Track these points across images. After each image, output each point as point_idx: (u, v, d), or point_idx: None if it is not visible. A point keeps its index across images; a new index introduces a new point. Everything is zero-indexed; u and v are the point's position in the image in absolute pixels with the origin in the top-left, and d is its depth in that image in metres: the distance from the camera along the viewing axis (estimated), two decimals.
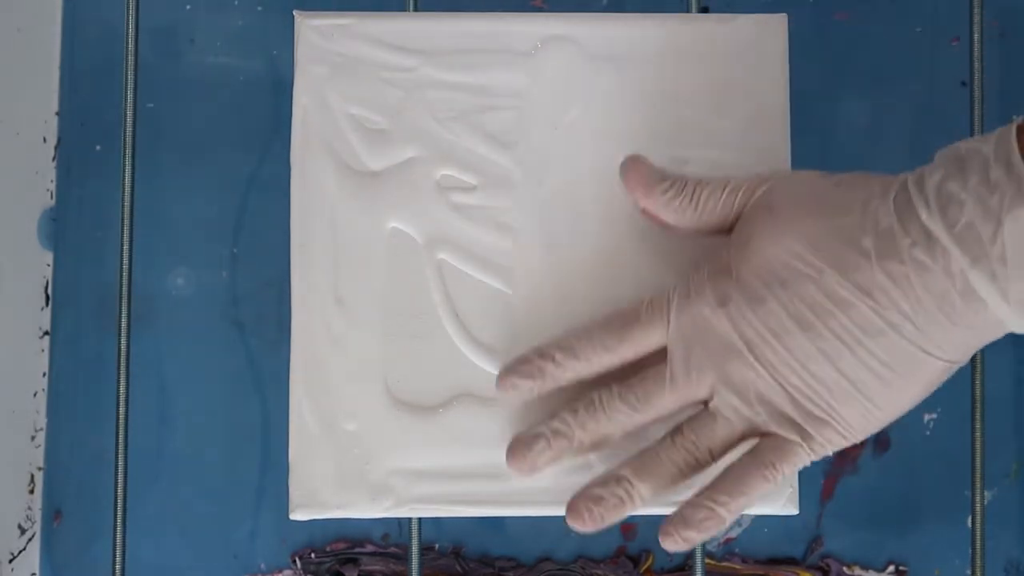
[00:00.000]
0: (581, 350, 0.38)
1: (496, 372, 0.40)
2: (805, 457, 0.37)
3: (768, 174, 0.38)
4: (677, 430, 0.38)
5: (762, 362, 0.36)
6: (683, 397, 0.37)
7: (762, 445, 0.37)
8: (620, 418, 0.38)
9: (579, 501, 0.37)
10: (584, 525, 0.37)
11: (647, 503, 0.38)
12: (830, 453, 0.37)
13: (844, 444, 0.37)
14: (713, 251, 0.38)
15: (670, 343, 0.37)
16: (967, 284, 0.33)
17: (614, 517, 0.37)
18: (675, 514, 0.37)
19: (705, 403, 0.38)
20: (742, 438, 0.37)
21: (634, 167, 0.39)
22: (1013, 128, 0.33)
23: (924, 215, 0.34)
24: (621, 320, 0.38)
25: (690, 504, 0.37)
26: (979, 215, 0.33)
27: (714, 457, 0.38)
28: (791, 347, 0.36)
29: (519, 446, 0.38)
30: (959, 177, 0.33)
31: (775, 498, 0.41)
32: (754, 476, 0.37)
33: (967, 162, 0.34)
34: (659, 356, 0.38)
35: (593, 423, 0.38)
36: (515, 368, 0.38)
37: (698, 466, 0.38)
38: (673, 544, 0.37)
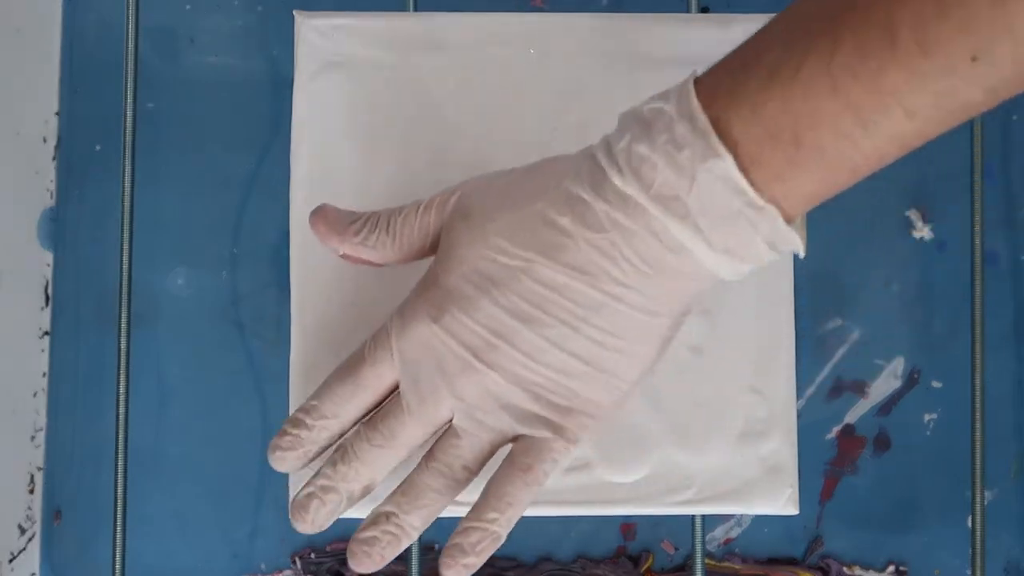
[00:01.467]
0: (325, 407, 0.37)
1: None
2: (562, 450, 0.36)
3: (457, 184, 0.38)
4: (429, 455, 0.37)
5: (493, 368, 0.35)
6: (426, 423, 0.37)
7: (516, 449, 0.37)
8: (373, 460, 0.37)
9: (355, 546, 0.37)
10: (366, 567, 0.37)
11: (420, 531, 0.37)
12: (585, 438, 0.37)
13: (597, 424, 0.36)
14: (424, 275, 0.38)
15: (400, 374, 0.37)
16: (672, 240, 0.33)
17: (392, 553, 0.37)
18: (450, 544, 0.36)
19: (450, 422, 0.37)
20: (494, 447, 0.37)
21: (320, 216, 0.38)
22: (691, 82, 0.33)
23: (618, 181, 0.33)
24: (349, 366, 0.37)
25: (461, 531, 0.36)
26: (672, 173, 0.32)
27: (472, 472, 0.37)
28: (518, 344, 0.35)
29: (298, 509, 0.37)
30: (646, 138, 0.33)
31: (775, 498, 0.41)
32: (516, 484, 0.36)
33: (652, 122, 0.33)
34: (395, 390, 0.37)
35: (353, 472, 0.37)
36: (276, 444, 0.38)
37: (458, 485, 0.37)
38: (456, 574, 0.36)
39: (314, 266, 0.41)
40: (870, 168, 0.32)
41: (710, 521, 0.56)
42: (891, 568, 0.56)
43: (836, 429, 0.57)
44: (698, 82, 0.33)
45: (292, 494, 0.40)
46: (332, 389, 0.37)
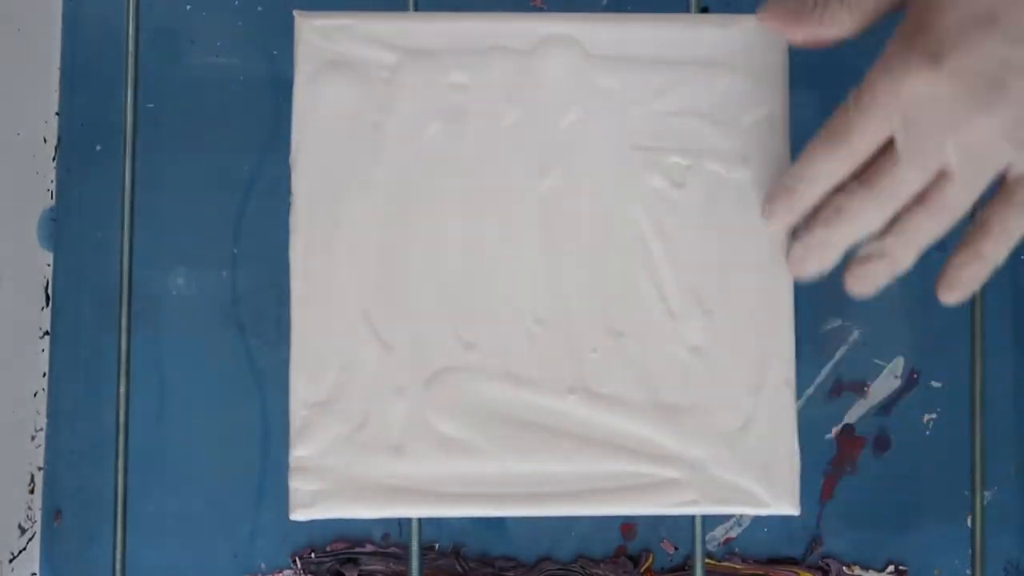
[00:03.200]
0: (816, 168, 0.38)
1: (498, 374, 0.41)
2: None
3: None
4: (922, 198, 0.37)
5: (999, 106, 0.35)
6: (925, 171, 0.36)
7: (1012, 186, 0.37)
8: (869, 215, 0.38)
9: (856, 266, 0.39)
10: (862, 291, 0.39)
11: (909, 263, 0.39)
12: None
13: None
14: (899, 31, 0.37)
15: (895, 125, 0.36)
16: None
17: (885, 279, 0.39)
18: (944, 275, 0.38)
19: (946, 169, 0.37)
20: (986, 186, 0.37)
21: (772, 9, 0.38)
22: None
23: None
24: (836, 133, 0.37)
25: (956, 260, 0.38)
26: None
27: (961, 216, 0.37)
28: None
29: (797, 260, 0.40)
30: None
31: (775, 498, 0.41)
32: (1013, 220, 0.37)
33: None
34: (887, 146, 0.37)
35: (847, 226, 0.38)
36: (773, 211, 0.39)
37: (949, 222, 0.38)
38: (953, 297, 0.38)
39: (314, 266, 0.41)
40: None
41: (710, 521, 0.56)
42: (891, 568, 0.56)
43: (836, 429, 0.57)
44: None
45: (292, 493, 0.40)
46: (820, 154, 0.38)
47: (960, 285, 0.38)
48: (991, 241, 0.37)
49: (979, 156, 0.36)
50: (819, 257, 0.39)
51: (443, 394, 0.41)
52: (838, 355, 0.57)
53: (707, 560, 0.55)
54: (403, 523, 0.56)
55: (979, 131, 0.35)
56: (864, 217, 0.38)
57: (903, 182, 0.37)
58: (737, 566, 0.55)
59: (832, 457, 0.56)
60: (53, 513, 0.56)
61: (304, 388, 0.41)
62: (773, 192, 0.40)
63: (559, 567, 0.56)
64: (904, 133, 0.36)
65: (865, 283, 0.39)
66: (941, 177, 0.37)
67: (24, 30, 0.55)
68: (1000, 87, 0.35)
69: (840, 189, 0.38)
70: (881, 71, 0.36)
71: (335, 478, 0.41)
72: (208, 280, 0.56)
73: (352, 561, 0.55)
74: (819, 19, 0.38)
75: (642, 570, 0.56)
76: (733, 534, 0.56)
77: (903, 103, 0.36)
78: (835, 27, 0.38)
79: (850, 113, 0.37)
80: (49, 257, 0.57)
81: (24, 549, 0.55)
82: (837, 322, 0.56)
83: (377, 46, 0.42)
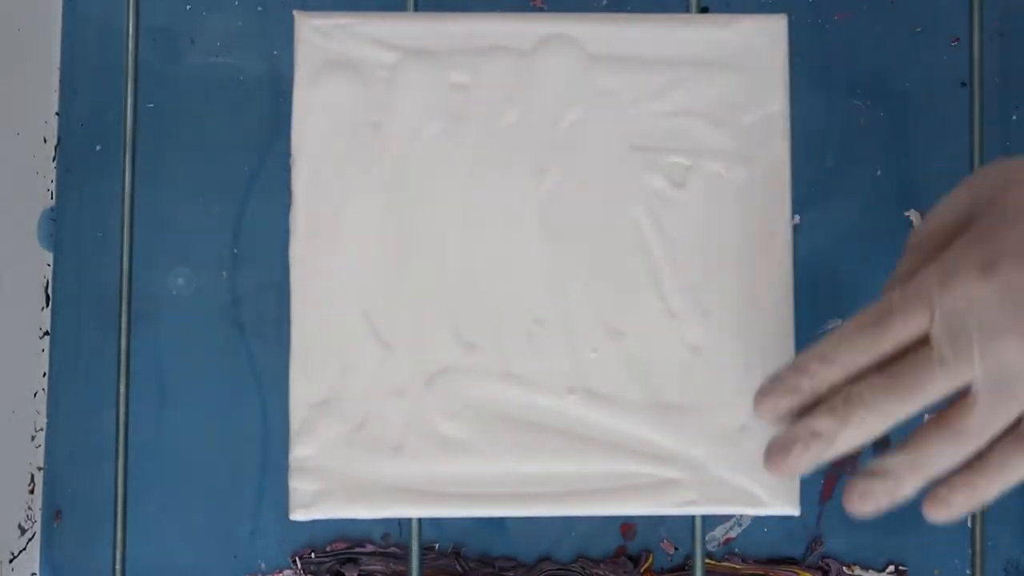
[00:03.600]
0: (838, 358, 0.36)
1: (498, 374, 0.41)
2: None
3: (988, 168, 0.37)
4: (940, 419, 0.36)
5: None
6: (955, 378, 0.35)
7: None
8: (885, 410, 0.35)
9: (861, 482, 0.36)
10: (860, 511, 0.37)
11: (914, 491, 0.37)
12: None
13: None
14: (963, 237, 0.36)
15: (935, 324, 0.35)
16: None
17: (887, 504, 0.37)
18: (934, 494, 0.36)
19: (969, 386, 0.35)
20: (1010, 420, 0.35)
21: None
22: None
23: None
24: (875, 317, 0.36)
25: (947, 484, 0.36)
26: None
27: (980, 444, 0.36)
28: None
29: (777, 452, 0.37)
30: None
31: (775, 498, 0.41)
32: (1019, 460, 0.35)
33: None
34: (921, 344, 0.36)
35: (856, 420, 0.36)
36: (770, 389, 0.37)
37: (960, 453, 0.36)
38: (937, 514, 0.36)
39: (314, 266, 0.41)
40: None
41: (710, 521, 0.56)
42: (891, 568, 0.56)
43: None
44: None
45: (292, 493, 0.40)
46: (850, 338, 0.36)
47: (948, 507, 0.36)
48: (986, 477, 0.36)
49: (1008, 377, 0.34)
50: (811, 451, 0.36)
51: (443, 394, 0.41)
52: None
53: (707, 560, 0.55)
54: (403, 523, 0.56)
55: (1014, 351, 0.34)
56: (881, 412, 0.36)
57: (930, 381, 0.35)
58: (737, 566, 0.55)
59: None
60: (53, 513, 0.56)
61: (304, 388, 0.41)
62: (777, 376, 0.37)
63: (559, 567, 0.56)
64: (943, 332, 0.35)
65: (864, 502, 0.36)
66: (965, 401, 0.35)
67: (24, 30, 0.55)
68: None
69: (858, 379, 0.36)
70: (936, 267, 0.35)
71: (335, 478, 0.41)
72: (208, 280, 0.56)
73: (352, 561, 0.55)
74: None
75: (642, 570, 0.56)
76: (733, 534, 0.56)
77: (950, 301, 0.35)
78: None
79: (893, 302, 0.36)
80: (49, 257, 0.57)
81: (24, 549, 0.55)
82: (837, 322, 0.56)
83: (377, 46, 0.42)
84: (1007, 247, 0.34)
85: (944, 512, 0.36)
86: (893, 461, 0.36)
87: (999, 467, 0.36)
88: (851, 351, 0.36)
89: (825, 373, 0.36)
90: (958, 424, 0.35)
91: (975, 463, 0.36)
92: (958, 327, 0.34)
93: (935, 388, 0.35)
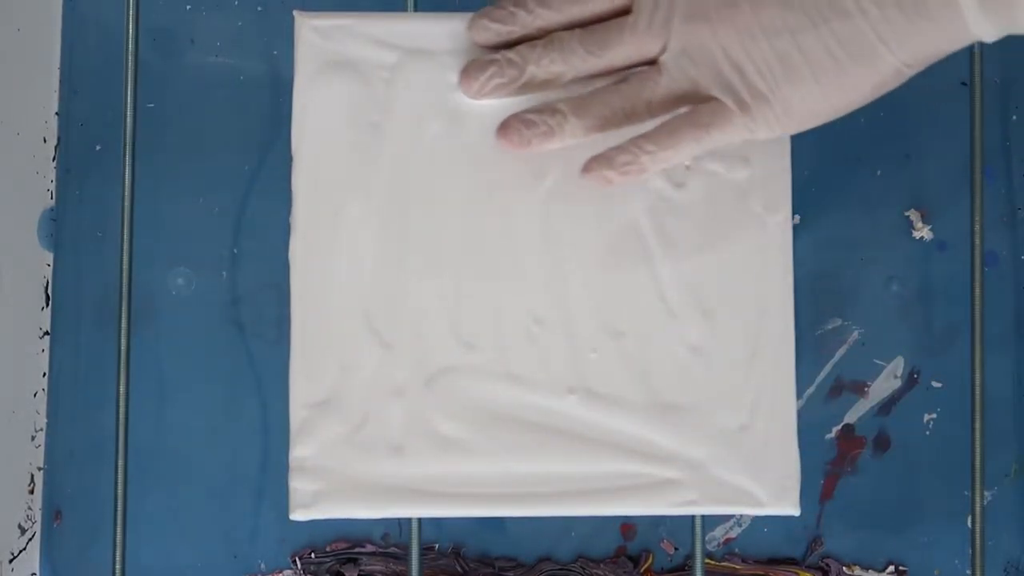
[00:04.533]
0: (553, 2, 0.39)
1: (497, 374, 0.41)
2: (741, 128, 0.38)
3: None
4: (622, 78, 0.39)
5: (723, 23, 0.37)
6: (639, 49, 0.39)
7: (701, 108, 0.38)
8: (574, 59, 0.39)
9: (512, 120, 0.40)
10: (513, 144, 0.40)
11: (576, 139, 0.39)
12: (761, 137, 0.38)
13: (776, 132, 0.38)
14: None
15: None
16: None
17: (541, 144, 0.40)
18: (600, 154, 0.39)
19: (656, 60, 0.39)
20: (681, 100, 0.39)
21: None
22: None
23: None
24: None
25: (617, 147, 0.39)
26: None
27: (651, 112, 0.39)
28: (758, 12, 0.37)
29: (473, 68, 0.40)
30: None
31: (775, 498, 0.41)
32: (685, 132, 0.38)
33: None
34: (624, 10, 0.39)
35: (547, 60, 0.39)
36: (487, 12, 0.40)
37: (634, 115, 0.39)
38: (594, 179, 0.39)
39: (314, 266, 0.41)
40: None
41: (710, 521, 0.56)
42: (891, 568, 0.56)
43: (836, 429, 0.57)
44: None
45: (292, 493, 0.40)
46: None
47: (609, 163, 0.39)
48: (653, 143, 0.38)
49: (686, 63, 0.38)
50: (504, 78, 0.39)
51: (443, 394, 0.41)
52: (838, 355, 0.57)
53: (707, 560, 0.55)
54: (403, 523, 0.56)
55: (697, 38, 0.37)
56: (570, 60, 0.39)
57: (619, 43, 0.38)
58: (737, 566, 0.56)
59: (832, 457, 0.56)
60: (53, 513, 0.56)
61: (304, 388, 0.41)
62: (497, 3, 0.40)
63: (559, 567, 0.56)
64: (646, 4, 0.38)
65: (520, 137, 0.40)
66: (649, 70, 0.39)
67: (24, 30, 0.55)
68: (731, 6, 0.37)
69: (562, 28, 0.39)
70: None
71: (335, 478, 0.41)
72: (208, 280, 0.56)
73: (352, 561, 0.55)
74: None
75: (642, 570, 0.56)
76: (733, 534, 0.56)
77: None
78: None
79: None
80: (49, 257, 0.57)
81: (24, 549, 0.55)
82: (837, 322, 0.56)
83: (377, 46, 0.42)
84: None
85: (604, 166, 0.39)
86: (563, 103, 0.39)
87: (668, 137, 0.38)
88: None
89: (540, 11, 0.39)
90: (637, 90, 0.39)
91: (647, 132, 0.39)
92: (657, 5, 0.38)
93: (623, 51, 0.39)
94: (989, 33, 0.35)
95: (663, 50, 0.38)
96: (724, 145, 0.39)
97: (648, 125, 0.39)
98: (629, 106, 0.39)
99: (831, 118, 0.38)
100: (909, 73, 0.37)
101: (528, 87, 0.40)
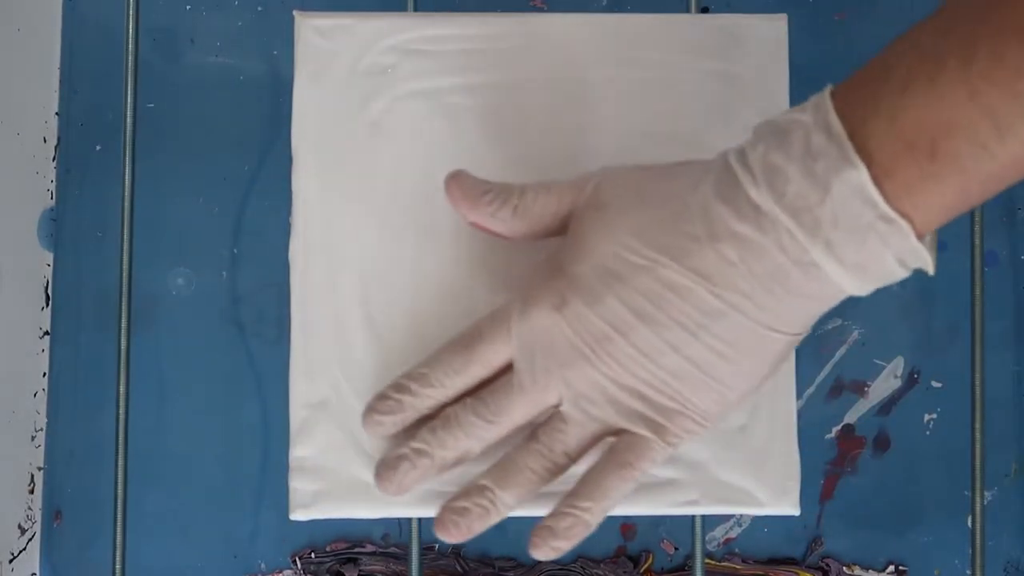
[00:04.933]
0: (433, 376, 0.38)
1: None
2: (661, 451, 0.37)
3: (594, 172, 0.38)
4: (532, 436, 0.38)
5: (607, 361, 0.36)
6: (534, 404, 0.37)
7: (618, 444, 0.37)
8: (476, 431, 0.38)
9: (445, 514, 0.38)
10: (452, 537, 0.38)
11: (512, 509, 0.38)
12: (686, 441, 0.37)
13: (700, 431, 0.37)
14: (549, 257, 0.38)
15: (514, 354, 0.37)
16: (802, 254, 0.33)
17: (481, 527, 0.38)
18: (541, 525, 0.37)
19: (558, 407, 0.37)
20: (596, 438, 0.37)
21: (455, 182, 0.39)
22: (827, 93, 0.33)
23: (752, 191, 0.33)
24: (465, 340, 0.38)
25: (554, 514, 0.37)
26: (806, 184, 0.32)
27: (571, 459, 0.38)
28: (635, 342, 0.35)
29: (385, 469, 0.38)
30: (781, 148, 0.33)
31: (775, 499, 0.41)
32: (612, 478, 0.37)
33: (788, 133, 0.33)
34: (510, 368, 0.38)
35: (451, 439, 0.38)
36: (375, 406, 0.39)
37: (557, 470, 0.38)
38: (543, 554, 0.37)
39: (314, 266, 0.41)
40: (1003, 179, 0.32)
41: (710, 521, 0.56)
42: (891, 568, 0.56)
43: (836, 429, 0.57)
44: (834, 93, 0.33)
45: (292, 493, 0.40)
46: (444, 359, 0.38)
47: (553, 534, 0.37)
48: (586, 499, 0.37)
49: (586, 405, 0.37)
50: (418, 469, 0.38)
51: None
52: (838, 355, 0.57)
53: (707, 560, 0.55)
54: (403, 523, 0.56)
55: (585, 381, 0.36)
56: (473, 433, 0.37)
57: (512, 405, 0.37)
58: (737, 566, 0.56)
59: (832, 457, 0.56)
60: (53, 513, 0.56)
61: (304, 388, 0.41)
62: (381, 394, 0.38)
63: (559, 567, 0.56)
64: (523, 361, 0.37)
65: (458, 529, 0.37)
66: (556, 418, 0.37)
67: (24, 30, 0.55)
68: (608, 342, 0.35)
69: (454, 403, 0.38)
70: (519, 299, 0.37)
71: (335, 478, 0.41)
72: (208, 280, 0.56)
73: (352, 561, 0.55)
74: (491, 213, 0.38)
75: (642, 570, 0.56)
76: (733, 534, 0.56)
77: (527, 332, 0.37)
78: (502, 226, 0.38)
79: (482, 328, 0.38)
80: (49, 257, 0.57)
81: (24, 549, 0.55)
82: (837, 322, 0.56)
83: (376, 46, 0.42)
84: (573, 285, 0.36)
85: (549, 538, 0.37)
86: (487, 477, 0.38)
87: (597, 488, 0.37)
88: (445, 372, 0.38)
89: (425, 392, 0.38)
90: (550, 445, 0.37)
91: (576, 489, 0.37)
92: (533, 357, 0.37)
93: (518, 411, 0.37)
94: (863, 289, 0.34)
95: (560, 400, 0.37)
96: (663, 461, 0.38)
97: (578, 468, 0.38)
98: (550, 464, 0.37)
99: (742, 403, 0.37)
100: (805, 334, 0.36)
101: (445, 468, 0.38)
